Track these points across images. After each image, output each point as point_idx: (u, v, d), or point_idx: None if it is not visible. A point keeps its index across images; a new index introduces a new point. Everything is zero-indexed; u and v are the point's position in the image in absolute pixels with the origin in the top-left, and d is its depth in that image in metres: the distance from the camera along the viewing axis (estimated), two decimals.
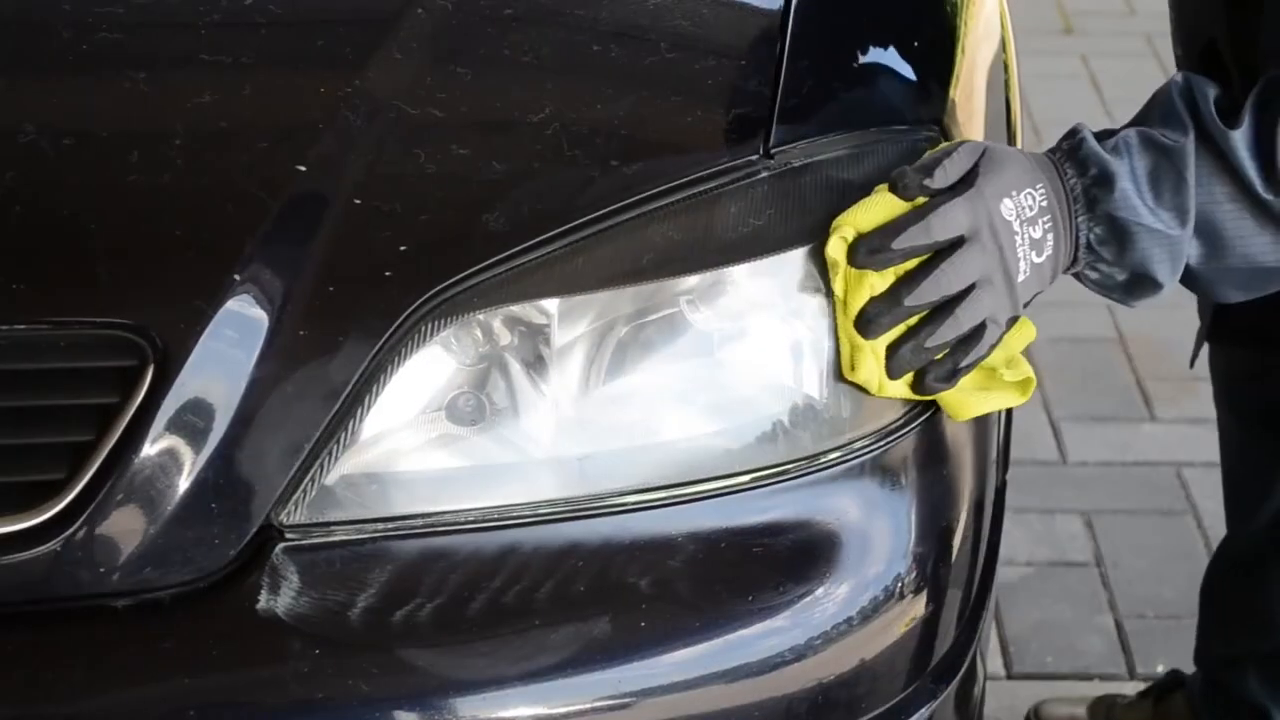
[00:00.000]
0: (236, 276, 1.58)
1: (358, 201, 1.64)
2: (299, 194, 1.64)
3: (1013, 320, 1.70)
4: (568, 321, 1.67)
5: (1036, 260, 1.68)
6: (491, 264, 1.63)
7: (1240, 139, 1.70)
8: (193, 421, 1.57)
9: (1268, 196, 1.71)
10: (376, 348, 1.60)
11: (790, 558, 1.66)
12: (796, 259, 1.69)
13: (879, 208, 1.66)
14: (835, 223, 1.66)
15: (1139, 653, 2.99)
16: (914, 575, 1.70)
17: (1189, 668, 2.61)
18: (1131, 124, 1.75)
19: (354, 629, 1.58)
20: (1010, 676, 2.95)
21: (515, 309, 1.65)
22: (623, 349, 1.68)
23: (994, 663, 2.93)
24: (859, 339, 1.66)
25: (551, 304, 1.66)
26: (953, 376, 1.68)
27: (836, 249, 1.66)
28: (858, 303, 1.65)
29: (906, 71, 1.89)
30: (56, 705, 1.55)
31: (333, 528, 1.62)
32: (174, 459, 1.57)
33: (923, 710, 1.75)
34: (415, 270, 1.62)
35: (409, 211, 1.65)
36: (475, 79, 1.74)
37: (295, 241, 1.61)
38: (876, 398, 1.69)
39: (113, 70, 1.74)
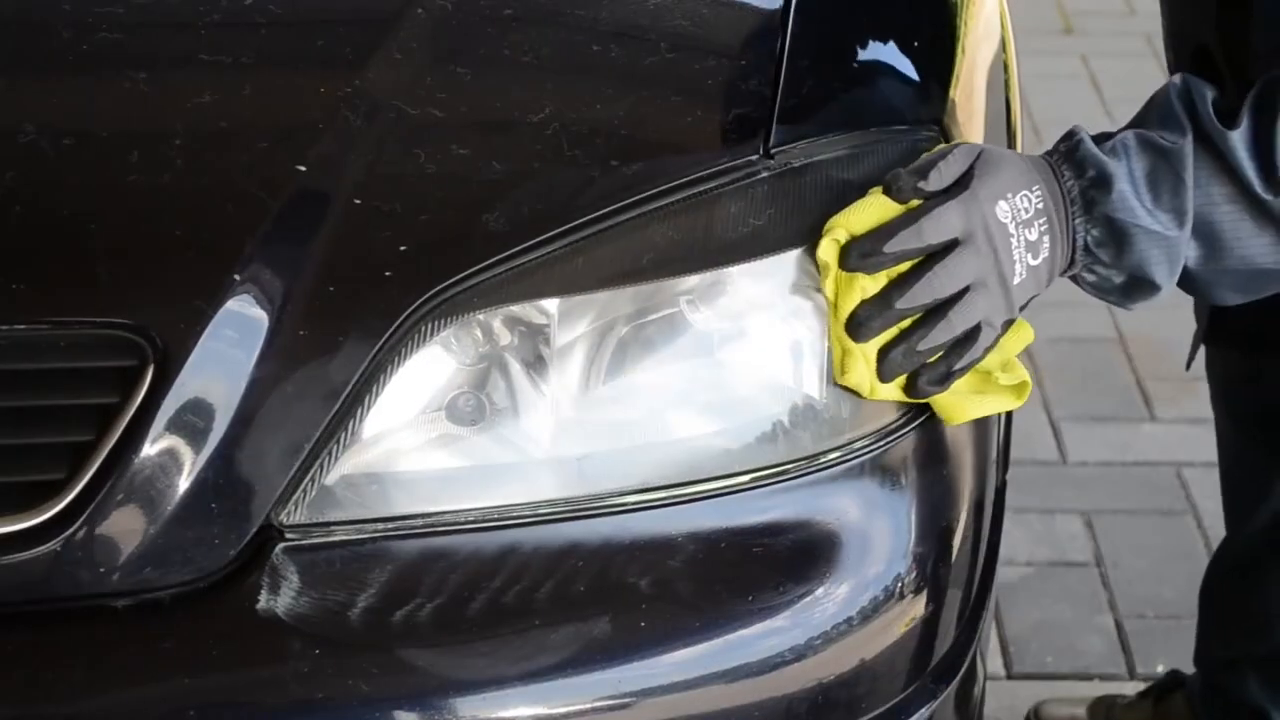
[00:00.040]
0: (236, 276, 1.58)
1: (358, 201, 1.64)
2: (299, 194, 1.64)
3: (1008, 323, 1.69)
4: (568, 321, 1.67)
5: (1032, 263, 1.68)
6: (491, 264, 1.63)
7: (1239, 140, 1.70)
8: (193, 421, 1.57)
9: (1266, 197, 1.70)
10: (376, 348, 1.60)
11: (790, 558, 1.66)
12: (797, 259, 1.68)
13: (872, 210, 1.66)
14: (828, 225, 1.66)
15: (1139, 653, 2.99)
16: (914, 575, 1.70)
17: (1189, 668, 2.61)
18: (1129, 126, 1.75)
19: (354, 629, 1.58)
20: (1010, 676, 2.95)
21: (515, 309, 1.65)
22: (623, 349, 1.68)
23: (994, 663, 2.93)
24: (850, 342, 1.66)
25: (551, 304, 1.66)
26: (946, 380, 1.68)
27: (828, 251, 1.65)
28: (848, 306, 1.65)
29: (907, 71, 1.89)
30: (56, 705, 1.55)
31: (333, 528, 1.62)
32: (174, 459, 1.57)
33: (923, 710, 1.75)
34: (415, 270, 1.62)
35: (409, 211, 1.65)
36: (475, 79, 1.74)
37: (295, 241, 1.61)
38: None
39: (113, 70, 1.74)
